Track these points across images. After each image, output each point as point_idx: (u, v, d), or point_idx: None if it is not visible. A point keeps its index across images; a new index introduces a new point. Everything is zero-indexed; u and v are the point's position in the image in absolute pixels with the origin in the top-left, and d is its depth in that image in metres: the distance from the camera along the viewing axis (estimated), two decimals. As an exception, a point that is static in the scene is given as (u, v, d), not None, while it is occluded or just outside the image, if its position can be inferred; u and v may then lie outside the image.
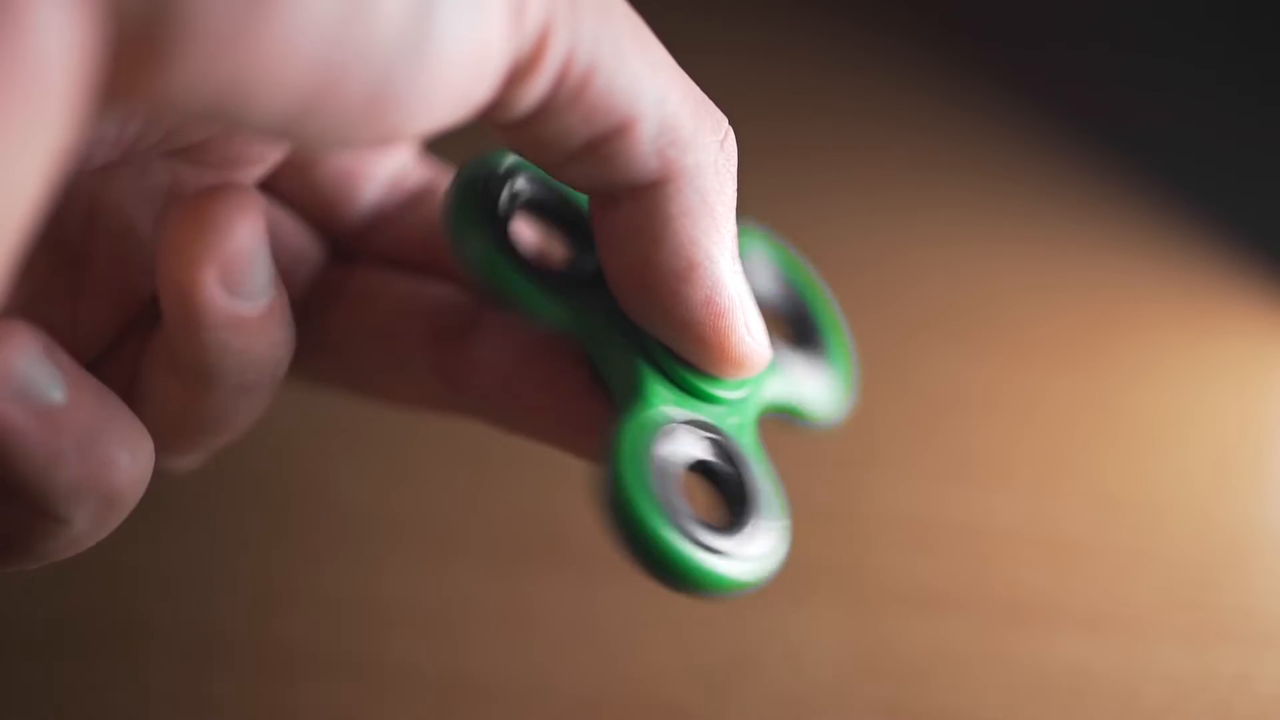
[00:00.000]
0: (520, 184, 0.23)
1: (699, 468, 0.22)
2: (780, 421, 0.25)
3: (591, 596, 0.34)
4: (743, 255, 0.25)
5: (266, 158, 0.23)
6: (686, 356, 0.22)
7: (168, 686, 0.32)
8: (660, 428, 0.21)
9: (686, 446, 0.21)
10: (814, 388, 0.25)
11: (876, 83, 0.53)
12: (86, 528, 0.20)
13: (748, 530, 0.21)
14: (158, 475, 0.21)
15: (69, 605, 0.33)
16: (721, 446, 0.22)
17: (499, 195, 0.23)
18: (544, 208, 0.24)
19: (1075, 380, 0.41)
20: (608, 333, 0.22)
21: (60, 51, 0.14)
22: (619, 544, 0.20)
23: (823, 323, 0.26)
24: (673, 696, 0.32)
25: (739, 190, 0.22)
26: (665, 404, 0.22)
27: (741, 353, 0.22)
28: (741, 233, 0.26)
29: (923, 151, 0.50)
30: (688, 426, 0.21)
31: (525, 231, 0.24)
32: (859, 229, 0.46)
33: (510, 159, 0.23)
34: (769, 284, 0.26)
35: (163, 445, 0.21)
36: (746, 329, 0.22)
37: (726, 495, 0.22)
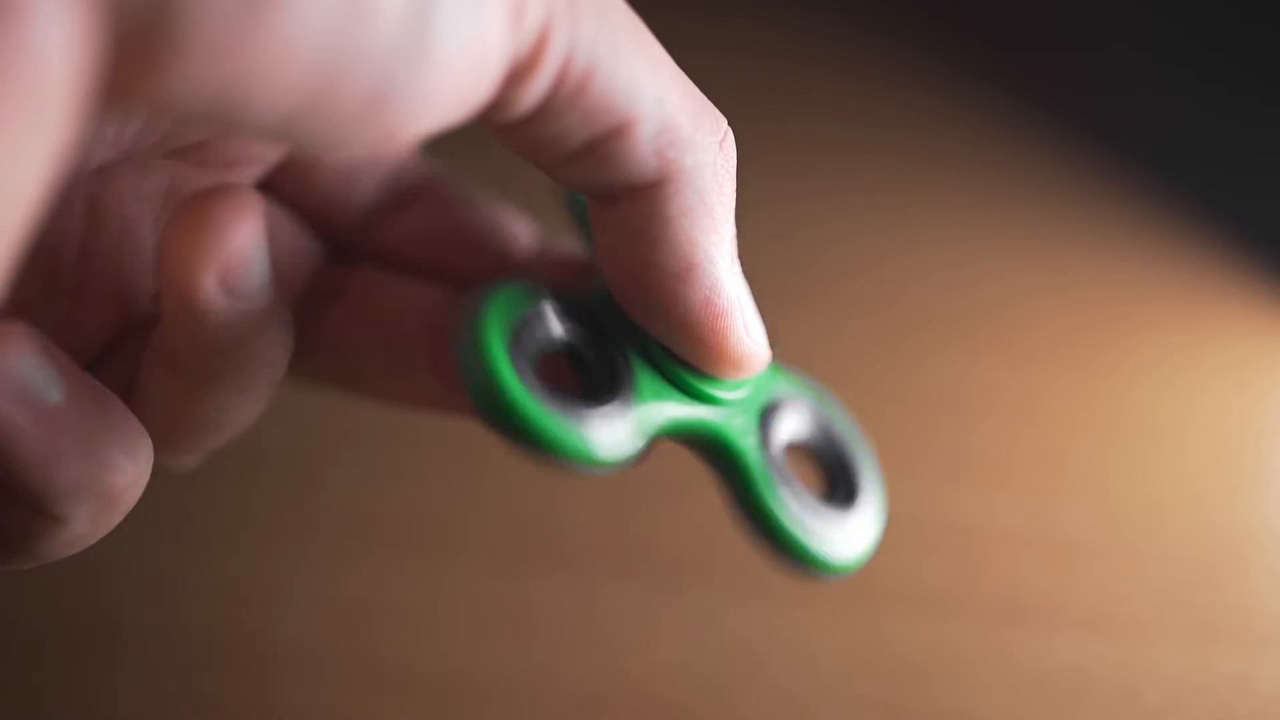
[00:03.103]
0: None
1: (565, 351, 0.22)
2: (795, 572, 0.23)
3: (591, 596, 0.34)
4: (787, 400, 0.24)
5: (266, 158, 0.23)
6: (685, 357, 0.22)
7: (167, 687, 0.32)
8: (530, 303, 0.21)
9: (553, 327, 0.21)
10: (839, 537, 0.23)
11: (876, 83, 0.53)
12: (85, 528, 0.20)
13: (606, 409, 0.21)
14: (157, 475, 0.21)
15: (68, 605, 0.33)
16: (588, 333, 0.22)
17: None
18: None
19: (1075, 380, 0.41)
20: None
21: (60, 51, 0.14)
22: (472, 400, 0.20)
23: (861, 475, 0.25)
24: (674, 696, 0.32)
25: (740, 191, 0.22)
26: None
27: (740, 353, 0.22)
28: (785, 376, 0.24)
29: (923, 151, 0.50)
30: (559, 310, 0.21)
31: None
32: (859, 229, 0.46)
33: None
34: (811, 430, 0.25)
35: (161, 445, 0.21)
36: (745, 329, 0.22)
37: (591, 382, 0.22)
